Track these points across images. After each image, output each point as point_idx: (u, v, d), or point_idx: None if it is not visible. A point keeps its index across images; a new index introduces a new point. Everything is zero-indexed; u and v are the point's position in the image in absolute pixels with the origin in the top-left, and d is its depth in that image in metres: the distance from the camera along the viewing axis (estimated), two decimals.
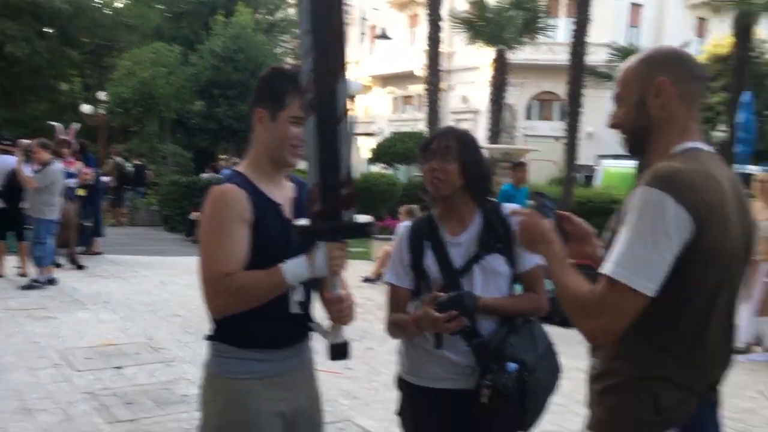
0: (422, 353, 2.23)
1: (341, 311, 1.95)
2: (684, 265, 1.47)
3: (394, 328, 2.31)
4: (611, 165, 17.79)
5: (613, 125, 1.73)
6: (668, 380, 1.54)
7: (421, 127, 20.68)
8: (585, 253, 1.90)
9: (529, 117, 28.87)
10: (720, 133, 19.58)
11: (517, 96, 27.05)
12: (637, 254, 1.46)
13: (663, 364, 1.53)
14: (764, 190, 6.70)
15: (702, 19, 29.01)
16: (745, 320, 6.62)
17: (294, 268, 1.85)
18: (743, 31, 14.55)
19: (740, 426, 4.58)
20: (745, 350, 6.51)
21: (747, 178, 9.00)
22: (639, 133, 1.67)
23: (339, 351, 1.96)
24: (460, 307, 2.05)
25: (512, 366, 2.03)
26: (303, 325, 2.11)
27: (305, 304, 2.07)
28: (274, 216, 1.99)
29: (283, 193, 2.05)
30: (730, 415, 4.68)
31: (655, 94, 1.62)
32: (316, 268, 1.85)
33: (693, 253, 1.47)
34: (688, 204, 1.45)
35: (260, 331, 1.99)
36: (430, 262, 2.25)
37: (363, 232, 1.83)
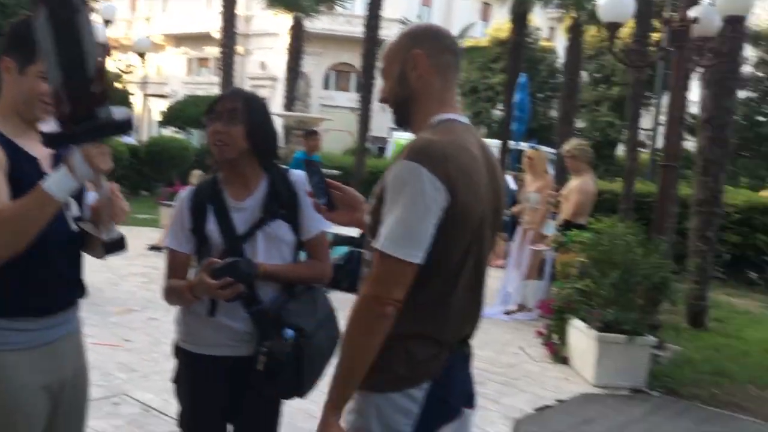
0: (200, 320, 2.18)
1: (114, 207, 1.80)
2: (437, 231, 1.57)
3: (171, 294, 2.23)
4: (401, 137, 18.56)
5: (382, 99, 1.80)
6: (421, 337, 1.64)
7: (217, 91, 20.11)
8: (355, 220, 1.96)
9: (326, 87, 29.18)
10: (499, 111, 21.19)
11: (315, 65, 27.20)
12: (403, 226, 1.54)
13: (417, 322, 1.63)
14: (532, 165, 7.38)
15: (486, 4, 31.06)
16: (515, 284, 7.29)
17: (56, 181, 1.67)
18: (519, 17, 15.75)
19: (503, 379, 5.05)
20: (515, 311, 7.16)
21: (520, 153, 9.85)
22: (402, 105, 1.76)
23: (115, 245, 1.84)
24: (236, 273, 2.02)
25: (289, 333, 2.04)
26: (69, 289, 1.97)
27: (81, 220, 1.91)
28: (30, 169, 1.81)
29: (40, 147, 1.87)
30: (494, 370, 5.16)
31: (413, 67, 1.71)
32: (78, 173, 1.67)
33: (445, 220, 1.57)
34: (441, 174, 1.55)
35: (19, 298, 1.81)
36: (212, 227, 2.20)
37: (122, 129, 1.68)
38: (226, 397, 2.21)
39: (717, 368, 5.73)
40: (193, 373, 2.23)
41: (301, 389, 2.14)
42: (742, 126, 23.67)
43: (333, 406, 1.62)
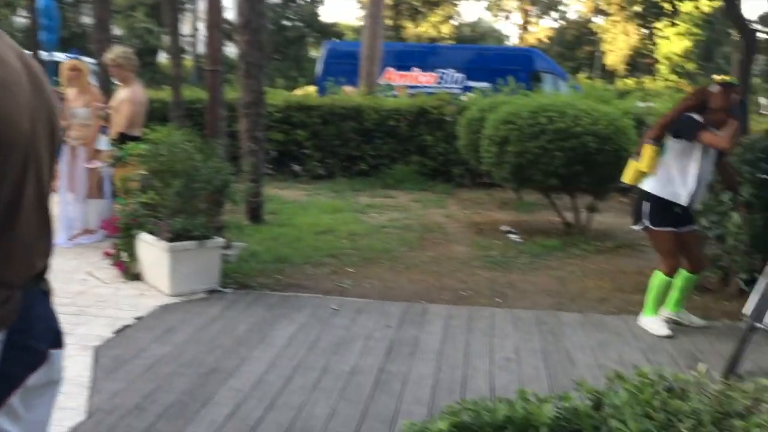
0: None
1: None
2: None
3: None
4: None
5: None
6: None
7: None
8: None
9: None
10: (22, 18, 18.82)
11: None
12: None
13: None
14: (75, 78, 6.77)
15: None
16: (76, 207, 6.76)
17: None
18: None
19: (74, 309, 4.74)
20: (79, 235, 6.69)
21: (56, 66, 8.98)
22: None
23: None
24: None
25: None
26: None
27: None
28: None
29: None
30: (63, 301, 4.80)
31: None
32: None
33: None
34: None
35: None
36: None
37: None
38: None
39: (277, 256, 6.29)
40: None
41: None
42: (271, 30, 25.44)
43: None
